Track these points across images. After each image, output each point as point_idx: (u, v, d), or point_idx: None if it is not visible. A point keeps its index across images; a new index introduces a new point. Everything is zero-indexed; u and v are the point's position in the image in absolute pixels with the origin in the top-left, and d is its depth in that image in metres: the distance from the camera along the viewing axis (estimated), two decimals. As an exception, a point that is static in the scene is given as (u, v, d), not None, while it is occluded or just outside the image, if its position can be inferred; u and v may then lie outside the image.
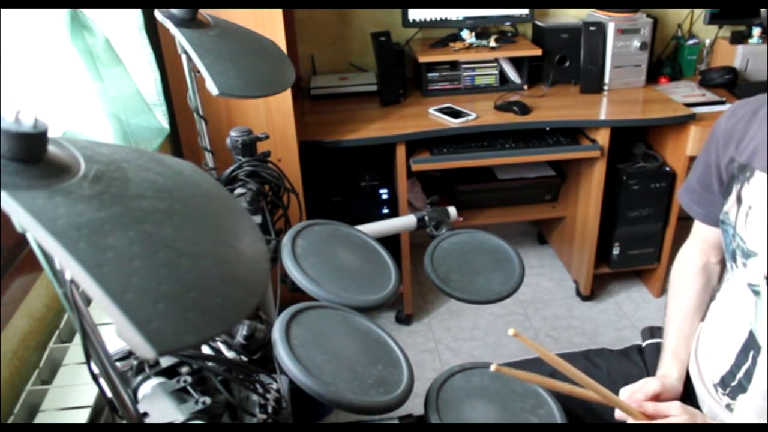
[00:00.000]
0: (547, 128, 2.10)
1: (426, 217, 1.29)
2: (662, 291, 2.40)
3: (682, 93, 2.22)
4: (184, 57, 1.06)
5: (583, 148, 2.07)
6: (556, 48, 2.26)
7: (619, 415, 0.95)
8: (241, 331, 0.86)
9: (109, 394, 0.61)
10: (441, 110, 2.08)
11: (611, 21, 2.17)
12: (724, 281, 1.02)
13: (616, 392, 1.00)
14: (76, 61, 1.17)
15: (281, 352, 0.71)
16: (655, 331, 1.18)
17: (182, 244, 0.45)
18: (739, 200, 0.93)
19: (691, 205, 1.11)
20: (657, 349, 1.12)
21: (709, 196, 1.05)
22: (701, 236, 1.13)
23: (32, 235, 0.42)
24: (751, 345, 0.91)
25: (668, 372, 1.04)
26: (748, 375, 0.91)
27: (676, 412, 0.92)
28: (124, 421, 0.64)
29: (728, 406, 0.95)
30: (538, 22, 2.32)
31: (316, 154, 1.97)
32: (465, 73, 2.26)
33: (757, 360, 0.90)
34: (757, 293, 0.90)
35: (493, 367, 0.76)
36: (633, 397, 0.97)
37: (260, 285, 0.49)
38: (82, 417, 0.87)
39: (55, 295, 1.06)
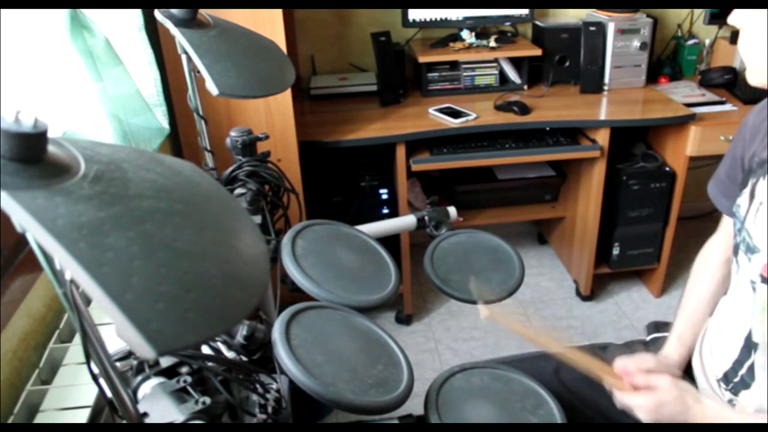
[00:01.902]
0: (547, 128, 2.09)
1: (426, 217, 1.29)
2: (662, 291, 2.40)
3: (682, 93, 2.22)
4: (184, 57, 1.06)
5: (583, 148, 2.07)
6: (556, 48, 2.26)
7: (607, 383, 0.94)
8: (241, 331, 0.86)
9: (109, 394, 0.61)
10: (441, 110, 2.08)
11: (611, 21, 2.17)
12: (732, 275, 1.02)
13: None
14: (76, 61, 1.17)
15: (281, 352, 0.71)
16: (660, 326, 1.18)
17: (182, 244, 0.45)
18: (752, 195, 0.93)
19: (717, 196, 1.10)
20: (662, 343, 1.12)
21: (735, 188, 1.05)
22: (727, 230, 1.12)
23: (32, 235, 0.42)
24: (751, 342, 0.92)
25: (669, 353, 1.04)
26: (751, 371, 0.92)
27: (664, 386, 0.90)
28: (124, 421, 0.64)
29: (730, 402, 0.95)
30: (538, 22, 2.32)
31: (316, 154, 1.97)
32: (465, 73, 2.26)
33: (754, 357, 0.90)
34: (755, 290, 0.91)
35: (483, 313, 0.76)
36: (625, 364, 0.95)
37: (260, 285, 0.49)
38: (82, 417, 0.87)
39: (55, 295, 1.06)
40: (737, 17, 0.86)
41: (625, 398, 0.92)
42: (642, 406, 0.90)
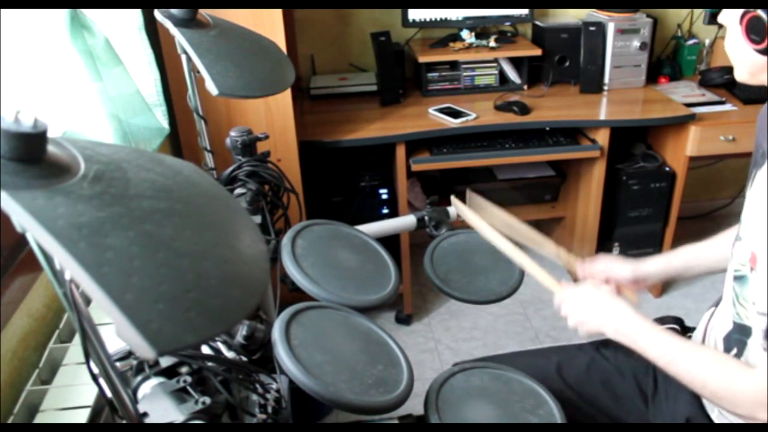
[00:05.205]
0: (547, 128, 2.09)
1: (426, 217, 1.29)
2: (662, 291, 2.40)
3: (682, 93, 2.22)
4: (184, 57, 1.06)
5: (583, 148, 2.07)
6: (556, 48, 2.26)
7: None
8: (241, 331, 0.86)
9: (108, 394, 0.61)
10: (441, 110, 2.08)
11: (611, 21, 2.17)
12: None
13: (625, 392, 1.08)
14: (76, 61, 1.17)
15: (281, 352, 0.71)
16: (664, 320, 1.18)
17: (182, 244, 0.45)
18: (752, 186, 0.95)
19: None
20: None
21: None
22: None
23: (32, 235, 0.42)
24: (734, 331, 0.93)
25: (648, 261, 1.18)
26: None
27: (581, 287, 1.04)
28: (124, 421, 0.64)
29: None
30: (538, 22, 2.32)
31: (316, 154, 1.97)
32: (465, 73, 2.26)
33: (747, 342, 0.91)
34: (736, 278, 0.92)
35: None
36: (591, 266, 1.23)
37: (260, 285, 0.49)
38: (81, 417, 0.87)
39: (55, 295, 1.05)
40: (724, 16, 0.89)
41: (557, 298, 1.07)
42: (563, 299, 1.05)
